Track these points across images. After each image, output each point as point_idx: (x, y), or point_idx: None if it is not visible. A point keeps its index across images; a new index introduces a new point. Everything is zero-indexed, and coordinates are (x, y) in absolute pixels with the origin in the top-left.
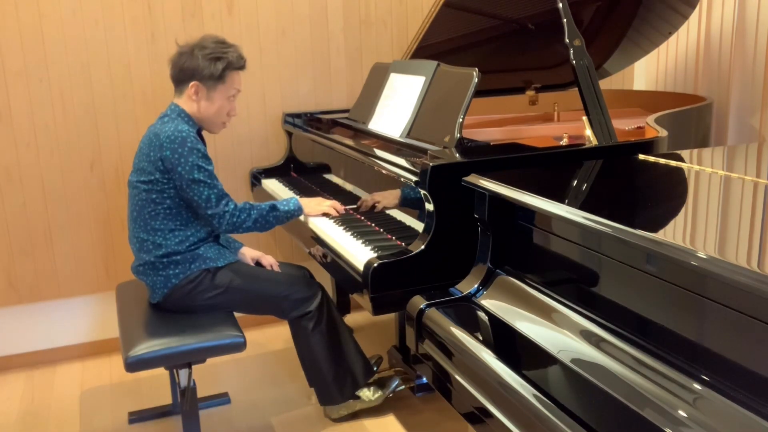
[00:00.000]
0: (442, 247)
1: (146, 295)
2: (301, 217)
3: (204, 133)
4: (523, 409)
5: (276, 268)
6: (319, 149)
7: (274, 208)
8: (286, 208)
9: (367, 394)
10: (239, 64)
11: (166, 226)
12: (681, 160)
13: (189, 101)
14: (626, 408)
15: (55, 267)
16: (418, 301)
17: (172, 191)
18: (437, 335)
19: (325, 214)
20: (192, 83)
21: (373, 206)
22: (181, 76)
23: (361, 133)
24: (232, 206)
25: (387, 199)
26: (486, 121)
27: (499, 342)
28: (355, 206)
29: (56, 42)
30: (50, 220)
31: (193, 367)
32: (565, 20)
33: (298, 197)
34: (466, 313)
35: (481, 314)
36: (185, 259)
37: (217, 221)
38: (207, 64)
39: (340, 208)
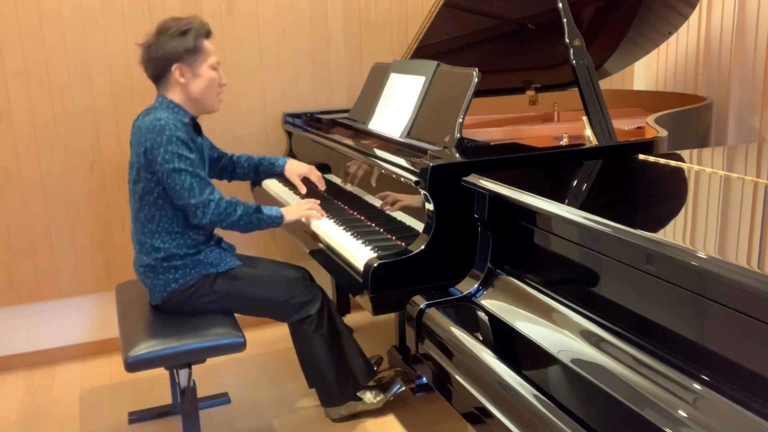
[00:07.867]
0: (442, 247)
1: (146, 295)
2: (303, 219)
3: (204, 127)
4: (523, 409)
5: (321, 185)
6: (319, 149)
7: (259, 209)
8: (269, 213)
9: (369, 397)
10: (205, 30)
11: (163, 229)
12: (681, 160)
13: (176, 88)
14: (626, 408)
15: (55, 267)
16: (418, 301)
17: (161, 188)
18: (437, 335)
19: (309, 216)
20: (173, 67)
21: (370, 205)
22: (160, 67)
23: (361, 133)
24: (218, 196)
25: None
26: (486, 121)
27: (499, 342)
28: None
29: (56, 42)
30: (50, 220)
31: (193, 367)
32: (565, 20)
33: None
34: (466, 313)
35: (481, 314)
36: (185, 265)
37: (201, 211)
38: (179, 42)
39: (319, 209)
